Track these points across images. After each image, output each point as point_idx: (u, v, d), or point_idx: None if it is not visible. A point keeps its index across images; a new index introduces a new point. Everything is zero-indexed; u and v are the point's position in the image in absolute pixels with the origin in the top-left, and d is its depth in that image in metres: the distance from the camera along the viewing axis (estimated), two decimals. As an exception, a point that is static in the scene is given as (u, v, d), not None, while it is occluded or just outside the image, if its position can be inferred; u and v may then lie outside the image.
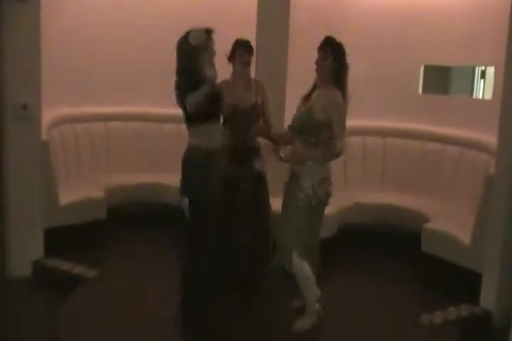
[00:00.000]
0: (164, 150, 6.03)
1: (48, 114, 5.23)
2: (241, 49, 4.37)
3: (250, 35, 5.31)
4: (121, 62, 6.15)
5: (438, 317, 4.08)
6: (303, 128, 3.81)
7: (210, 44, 3.61)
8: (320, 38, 3.81)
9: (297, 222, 3.80)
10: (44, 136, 4.81)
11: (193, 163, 3.66)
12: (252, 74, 5.35)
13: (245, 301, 4.25)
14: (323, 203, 3.85)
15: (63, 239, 4.87)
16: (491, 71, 5.83)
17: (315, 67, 3.78)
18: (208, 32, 3.59)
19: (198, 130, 3.66)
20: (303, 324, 3.85)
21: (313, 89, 3.85)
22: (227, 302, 4.15)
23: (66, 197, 5.08)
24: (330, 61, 3.72)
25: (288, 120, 4.04)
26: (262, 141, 4.38)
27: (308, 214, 3.81)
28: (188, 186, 3.70)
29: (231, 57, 4.37)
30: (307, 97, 3.84)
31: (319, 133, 3.76)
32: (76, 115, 5.87)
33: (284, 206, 3.93)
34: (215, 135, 3.70)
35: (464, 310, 4.17)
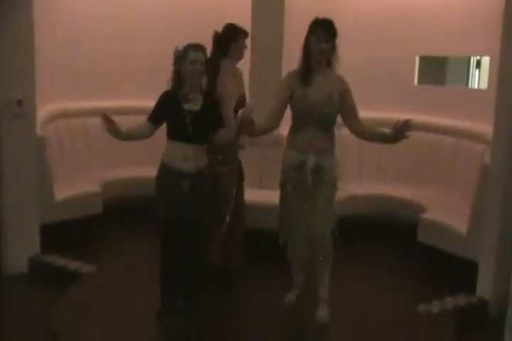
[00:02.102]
0: (161, 144, 5.98)
1: (43, 110, 5.22)
2: (245, 34, 4.41)
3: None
4: (117, 56, 6.13)
5: (435, 307, 4.09)
6: (333, 116, 3.76)
7: (188, 58, 3.53)
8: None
9: (331, 208, 3.80)
10: (39, 132, 4.80)
11: (157, 176, 3.70)
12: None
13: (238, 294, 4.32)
14: None
15: (59, 234, 4.88)
16: (486, 61, 5.81)
17: (316, 52, 3.64)
18: (189, 47, 3.57)
19: (167, 146, 3.68)
20: (326, 314, 3.87)
21: (308, 72, 3.70)
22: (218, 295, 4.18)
23: (62, 192, 5.08)
24: (331, 44, 3.66)
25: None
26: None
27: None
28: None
29: (232, 40, 4.35)
30: (306, 82, 3.69)
31: (336, 119, 3.78)
32: (71, 110, 5.84)
33: (305, 199, 3.77)
34: (183, 156, 3.58)
35: (461, 300, 4.19)
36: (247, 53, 5.34)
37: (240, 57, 4.46)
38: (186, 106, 3.59)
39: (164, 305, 3.81)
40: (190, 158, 3.58)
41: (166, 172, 3.64)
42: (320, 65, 3.71)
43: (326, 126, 3.76)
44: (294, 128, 3.79)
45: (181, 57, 3.56)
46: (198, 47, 3.58)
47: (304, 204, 3.78)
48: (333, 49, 3.69)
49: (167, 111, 3.62)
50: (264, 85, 5.22)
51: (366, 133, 3.81)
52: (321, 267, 3.88)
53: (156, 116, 3.64)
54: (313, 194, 3.75)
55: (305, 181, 3.73)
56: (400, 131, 3.55)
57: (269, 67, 5.31)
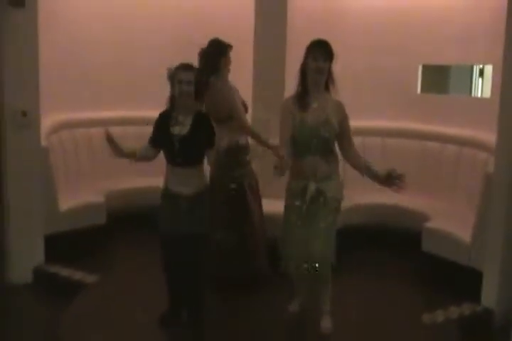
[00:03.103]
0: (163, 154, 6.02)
1: (47, 120, 5.24)
2: (230, 48, 4.43)
3: (248, 40, 5.35)
4: (119, 66, 6.16)
5: (439, 316, 4.08)
6: (332, 140, 3.72)
7: (176, 78, 3.58)
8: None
9: (331, 233, 3.77)
10: (43, 142, 4.81)
11: (160, 196, 3.79)
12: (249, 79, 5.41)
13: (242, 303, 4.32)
14: None
15: (63, 244, 4.88)
16: (489, 69, 5.83)
17: (314, 71, 3.63)
18: (177, 68, 3.62)
19: (166, 169, 3.74)
20: (329, 324, 3.89)
21: (305, 96, 3.68)
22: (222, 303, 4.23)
23: (66, 202, 5.09)
24: (328, 65, 3.66)
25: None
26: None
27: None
28: None
29: (222, 55, 4.37)
30: (304, 105, 3.66)
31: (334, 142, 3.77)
32: (75, 120, 5.87)
33: (308, 221, 3.74)
34: (179, 180, 3.66)
35: (466, 309, 4.16)
36: (250, 63, 5.39)
37: (228, 71, 4.45)
38: (175, 130, 3.61)
39: (168, 311, 3.91)
40: (187, 182, 3.64)
41: (165, 192, 3.73)
42: (318, 88, 3.68)
43: (327, 151, 3.72)
44: (295, 155, 3.69)
45: (172, 77, 3.62)
46: (187, 67, 3.62)
47: (305, 228, 3.75)
48: (329, 70, 3.67)
49: (160, 134, 3.69)
50: (267, 94, 5.25)
51: (358, 165, 3.79)
52: (321, 287, 3.90)
53: (153, 140, 3.72)
54: (314, 218, 3.73)
55: (305, 206, 3.72)
56: (390, 180, 3.61)
57: (272, 78, 5.32)
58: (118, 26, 6.14)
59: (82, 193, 5.45)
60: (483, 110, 5.30)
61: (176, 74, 3.58)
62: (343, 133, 3.74)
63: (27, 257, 4.69)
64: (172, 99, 3.68)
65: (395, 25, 5.97)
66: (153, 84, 5.82)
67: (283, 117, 3.71)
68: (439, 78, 6.30)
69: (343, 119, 3.73)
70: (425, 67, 6.05)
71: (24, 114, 4.55)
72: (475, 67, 6.29)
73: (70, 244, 4.93)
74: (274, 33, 5.34)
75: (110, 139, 3.55)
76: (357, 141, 5.72)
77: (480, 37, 5.47)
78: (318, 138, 3.65)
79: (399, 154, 5.83)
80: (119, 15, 6.16)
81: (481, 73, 6.25)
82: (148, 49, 6.15)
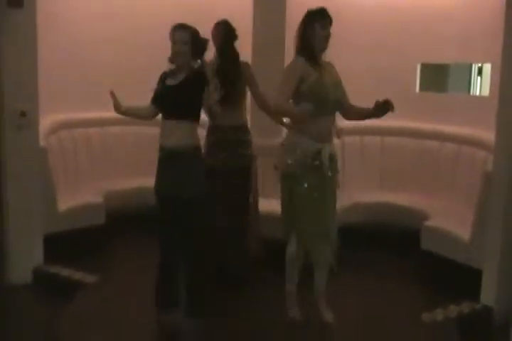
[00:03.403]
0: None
1: (46, 120, 5.24)
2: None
3: (247, 39, 5.35)
4: (118, 67, 6.15)
5: (439, 315, 4.08)
6: (341, 104, 3.85)
7: (172, 38, 3.66)
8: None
9: (336, 201, 3.90)
10: (42, 143, 4.81)
11: None
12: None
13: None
14: None
15: (62, 244, 4.88)
16: (487, 68, 5.84)
17: (324, 39, 3.75)
18: (172, 28, 3.69)
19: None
20: (329, 314, 3.94)
21: (314, 56, 3.76)
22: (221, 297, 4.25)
23: (65, 202, 5.09)
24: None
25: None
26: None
27: None
28: None
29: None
30: (318, 67, 3.75)
31: None
32: (74, 120, 5.87)
33: (321, 194, 3.76)
34: (167, 133, 3.68)
35: (465, 307, 4.16)
36: (248, 61, 5.39)
37: None
38: (167, 81, 3.71)
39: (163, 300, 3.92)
40: (174, 133, 3.63)
41: (159, 149, 3.74)
42: (321, 52, 3.80)
43: (334, 113, 3.84)
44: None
45: (170, 37, 3.69)
46: (180, 27, 3.67)
47: (319, 198, 3.75)
48: None
49: (158, 90, 3.79)
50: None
51: (353, 111, 3.93)
52: (320, 267, 3.90)
53: (153, 98, 3.81)
54: (326, 187, 3.79)
55: (324, 172, 3.73)
56: (381, 108, 3.70)
57: (271, 75, 5.30)
58: (117, 26, 6.13)
59: (81, 193, 5.46)
60: (481, 108, 5.31)
61: (171, 35, 3.66)
62: (343, 95, 3.90)
63: (26, 257, 4.68)
64: (172, 58, 3.75)
65: (394, 23, 5.97)
66: (153, 85, 5.84)
67: (294, 74, 3.72)
68: (438, 77, 6.31)
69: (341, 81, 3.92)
70: (424, 66, 6.06)
71: (23, 114, 4.54)
72: (474, 65, 6.30)
73: (69, 244, 4.93)
74: (273, 30, 5.36)
75: (113, 95, 3.71)
76: (355, 139, 5.84)
77: (479, 35, 5.47)
78: (333, 99, 3.75)
79: (397, 153, 5.84)
80: (118, 15, 6.16)
81: (480, 72, 6.26)
82: (148, 49, 6.13)
